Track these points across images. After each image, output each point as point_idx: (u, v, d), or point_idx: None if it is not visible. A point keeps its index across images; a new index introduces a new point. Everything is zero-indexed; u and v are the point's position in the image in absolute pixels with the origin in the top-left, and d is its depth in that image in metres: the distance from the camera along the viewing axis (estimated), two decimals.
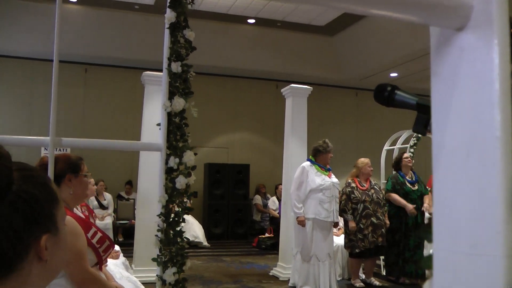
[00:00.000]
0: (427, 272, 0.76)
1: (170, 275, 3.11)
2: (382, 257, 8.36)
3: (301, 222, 7.07)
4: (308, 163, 7.30)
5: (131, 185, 12.51)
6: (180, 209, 3.18)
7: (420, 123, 1.72)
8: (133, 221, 10.99)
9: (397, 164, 8.04)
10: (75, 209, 3.22)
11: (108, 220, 11.09)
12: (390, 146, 10.55)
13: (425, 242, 8.00)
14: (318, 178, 7.12)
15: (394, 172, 8.14)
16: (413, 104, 1.71)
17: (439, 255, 0.71)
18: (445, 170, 0.70)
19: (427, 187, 8.04)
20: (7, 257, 0.96)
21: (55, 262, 1.06)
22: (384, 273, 8.15)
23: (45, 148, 9.12)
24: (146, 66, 10.57)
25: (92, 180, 6.19)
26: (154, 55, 11.11)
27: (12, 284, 0.98)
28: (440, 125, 0.71)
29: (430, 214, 8.00)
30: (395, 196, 7.73)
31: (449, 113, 0.70)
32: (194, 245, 10.95)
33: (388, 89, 1.71)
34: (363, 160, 7.80)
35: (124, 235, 11.93)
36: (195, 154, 3.23)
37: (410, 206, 7.60)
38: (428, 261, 0.77)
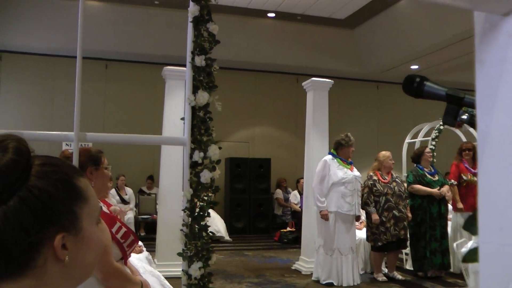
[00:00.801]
0: (471, 285, 0.74)
1: (195, 269, 3.12)
2: (404, 251, 8.30)
3: (325, 216, 7.06)
4: (330, 156, 7.28)
5: (152, 180, 12.57)
6: (205, 203, 3.17)
7: (450, 114, 1.70)
8: (154, 216, 11.06)
9: (418, 158, 7.97)
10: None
11: (130, 215, 11.17)
12: (411, 139, 10.46)
13: (449, 233, 7.94)
14: (340, 172, 7.11)
15: (414, 166, 8.08)
16: (442, 94, 1.69)
17: (485, 249, 0.68)
18: (491, 159, 0.67)
19: (449, 179, 7.96)
20: (12, 254, 0.93)
21: (80, 262, 1.01)
22: (412, 268, 8.03)
23: (66, 144, 9.20)
24: (166, 61, 10.62)
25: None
26: (174, 50, 11.17)
27: (26, 283, 0.94)
28: (486, 113, 0.69)
29: (460, 210, 7.87)
30: (419, 186, 7.68)
31: (495, 101, 0.68)
32: (216, 240, 10.97)
33: (417, 80, 1.69)
34: (385, 153, 7.75)
35: (146, 230, 12.01)
36: (220, 148, 3.22)
37: (435, 190, 7.58)
38: (472, 255, 0.75)
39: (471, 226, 0.79)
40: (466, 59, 12.69)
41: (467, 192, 7.84)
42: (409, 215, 7.54)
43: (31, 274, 0.95)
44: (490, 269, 0.68)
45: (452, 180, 7.90)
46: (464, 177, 7.86)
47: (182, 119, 3.25)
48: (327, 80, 8.48)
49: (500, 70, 0.67)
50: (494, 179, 0.67)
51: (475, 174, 7.86)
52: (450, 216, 8.31)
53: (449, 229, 8.01)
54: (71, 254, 0.99)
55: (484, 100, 0.69)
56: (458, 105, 1.66)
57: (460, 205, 7.82)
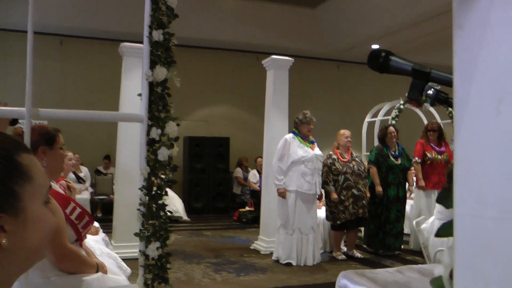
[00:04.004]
0: (446, 260, 0.71)
1: (153, 249, 3.06)
2: (363, 229, 8.43)
3: (282, 194, 7.09)
4: (291, 135, 7.29)
5: (109, 159, 12.39)
6: (162, 182, 3.12)
7: (415, 89, 1.69)
8: (112, 196, 10.91)
9: (383, 138, 8.05)
10: (52, 183, 3.13)
11: (86, 195, 10.99)
12: (371, 118, 10.57)
13: (408, 211, 8.11)
14: (301, 150, 7.11)
15: (378, 144, 8.17)
16: (408, 69, 1.67)
17: (461, 222, 0.66)
18: (470, 129, 0.65)
19: (414, 157, 8.10)
20: None
21: (23, 246, 0.94)
22: (365, 245, 8.23)
23: (18, 122, 8.94)
24: (124, 38, 10.38)
25: (70, 154, 6.09)
26: (132, 26, 10.93)
27: None
28: (465, 81, 0.66)
29: (421, 188, 8.04)
30: (374, 171, 7.78)
31: (476, 68, 0.64)
32: (175, 220, 10.92)
33: (382, 55, 1.67)
34: (341, 132, 7.80)
35: (103, 211, 11.86)
36: (178, 125, 3.16)
37: (378, 189, 7.71)
38: (447, 229, 0.72)
39: (445, 199, 0.77)
40: (429, 39, 12.86)
41: (431, 170, 8.01)
42: (368, 194, 7.63)
43: None
44: (466, 243, 0.65)
45: (416, 158, 8.07)
46: (429, 155, 8.02)
47: (139, 95, 3.17)
48: (288, 58, 8.45)
49: (481, 35, 0.64)
50: (472, 149, 0.64)
51: (440, 153, 8.02)
52: (413, 195, 8.48)
53: (408, 208, 8.19)
54: (11, 237, 0.91)
55: (463, 67, 0.66)
56: (424, 80, 1.65)
57: (422, 183, 7.99)
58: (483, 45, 0.63)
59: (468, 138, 0.65)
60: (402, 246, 8.06)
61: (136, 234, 3.15)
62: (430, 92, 1.63)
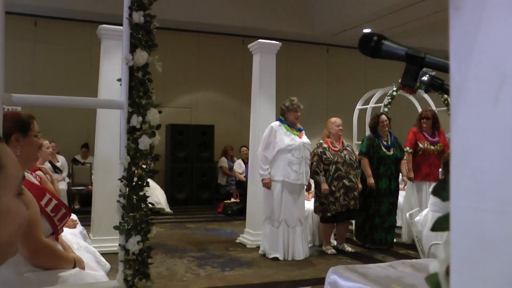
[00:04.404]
0: (441, 255, 0.71)
1: (134, 244, 3.05)
2: (354, 222, 8.47)
3: (266, 185, 7.09)
4: (277, 122, 7.27)
5: (87, 148, 12.33)
6: (143, 172, 3.10)
7: (409, 75, 1.68)
8: (90, 187, 10.87)
9: (375, 127, 8.05)
10: (26, 173, 3.11)
11: (63, 186, 10.93)
12: (363, 105, 10.59)
13: (401, 203, 8.16)
14: (287, 138, 7.10)
15: (369, 134, 8.18)
16: (402, 54, 1.67)
17: (458, 215, 0.65)
18: (466, 115, 0.64)
19: (405, 146, 8.14)
20: None
21: None
22: (355, 239, 8.28)
23: None
24: (102, 19, 10.30)
25: (46, 142, 6.06)
26: (111, 7, 10.84)
27: None
28: (461, 64, 0.65)
29: (410, 179, 8.12)
30: (365, 162, 7.80)
31: (473, 51, 0.64)
32: (156, 212, 10.91)
33: (374, 39, 1.66)
34: (331, 120, 7.79)
35: (81, 202, 11.81)
36: (160, 112, 3.14)
37: (370, 180, 7.74)
38: (442, 223, 0.72)
39: (441, 190, 0.76)
40: (422, 22, 12.88)
41: (423, 161, 8.05)
42: (360, 185, 7.64)
43: None
44: (464, 238, 0.65)
45: (408, 148, 8.11)
46: (421, 145, 8.05)
47: (119, 80, 3.14)
48: (275, 42, 8.44)
49: (479, 16, 0.63)
50: (469, 137, 0.64)
51: (432, 143, 8.05)
52: (402, 186, 8.54)
53: (401, 200, 8.24)
54: None
55: (460, 50, 0.66)
56: (418, 66, 1.65)
57: (411, 174, 8.04)
58: (481, 27, 0.62)
59: (465, 126, 0.64)
60: (395, 240, 8.11)
61: (115, 227, 3.13)
62: (424, 78, 1.63)
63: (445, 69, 1.53)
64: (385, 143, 7.95)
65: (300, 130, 7.31)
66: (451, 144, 0.66)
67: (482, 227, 0.60)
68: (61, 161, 11.51)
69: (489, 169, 0.59)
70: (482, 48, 0.61)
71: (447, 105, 9.59)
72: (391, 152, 7.90)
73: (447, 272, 0.68)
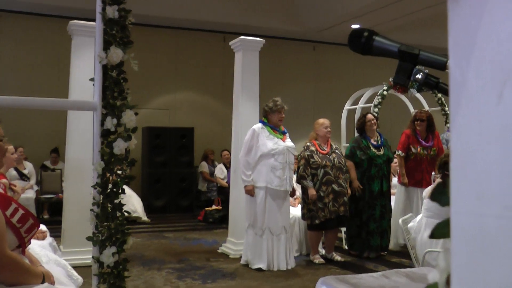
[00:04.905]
0: (441, 264, 0.71)
1: (108, 256, 3.03)
2: (344, 229, 8.47)
3: (249, 192, 7.08)
4: (260, 125, 7.26)
5: (57, 153, 12.23)
6: (119, 179, 3.09)
7: (402, 72, 1.69)
8: (60, 195, 10.78)
9: (361, 128, 8.08)
10: None
11: (30, 194, 10.84)
12: (351, 105, 10.62)
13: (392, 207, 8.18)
14: (270, 142, 7.10)
15: (357, 135, 8.20)
16: (394, 51, 1.68)
17: (459, 221, 0.65)
18: (468, 116, 0.64)
19: (397, 149, 8.17)
20: None
21: None
22: (346, 247, 8.29)
23: None
24: (73, 14, 10.25)
25: (11, 147, 6.01)
26: (83, 1, 10.80)
27: None
28: (462, 63, 0.65)
29: (404, 184, 8.13)
30: (349, 165, 7.81)
31: (474, 46, 0.64)
32: (132, 220, 10.85)
33: (365, 35, 1.67)
34: (319, 121, 7.81)
35: (50, 212, 11.72)
36: (136, 114, 3.13)
37: (355, 184, 7.75)
38: (442, 229, 0.72)
39: (440, 195, 0.76)
40: (413, 18, 12.95)
41: (415, 166, 8.09)
42: (349, 191, 7.66)
43: None
44: (465, 245, 0.65)
45: (400, 151, 8.13)
46: (413, 149, 8.08)
47: (92, 80, 3.13)
48: (258, 39, 8.45)
49: (481, 9, 0.63)
50: (470, 139, 0.64)
51: (426, 148, 8.09)
52: (394, 190, 8.56)
53: (392, 203, 8.25)
54: None
55: (459, 46, 0.66)
56: (412, 63, 1.66)
57: (404, 179, 8.07)
58: (483, 20, 0.62)
59: (466, 125, 0.64)
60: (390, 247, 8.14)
61: (88, 238, 3.11)
62: (418, 76, 1.63)
63: (440, 66, 1.54)
64: (374, 143, 7.96)
65: (283, 133, 7.30)
66: (451, 145, 0.66)
67: (485, 234, 0.60)
68: (28, 168, 11.40)
69: (492, 171, 0.59)
70: (484, 42, 0.61)
71: (441, 104, 9.65)
72: (382, 152, 7.91)
73: (448, 282, 0.68)
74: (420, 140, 8.15)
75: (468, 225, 0.63)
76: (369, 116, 8.11)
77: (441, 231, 0.72)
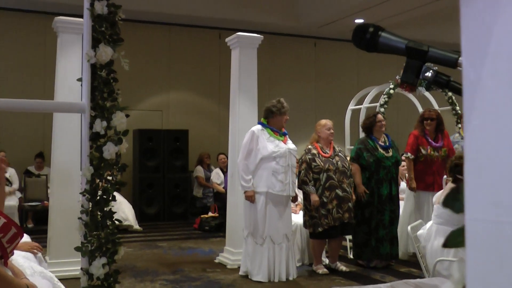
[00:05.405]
0: (456, 275, 0.71)
1: (98, 267, 3.03)
2: (348, 237, 8.46)
3: (250, 197, 7.05)
4: (259, 126, 7.24)
5: (42, 158, 12.22)
6: (109, 185, 3.09)
7: (410, 71, 1.69)
8: (46, 202, 10.77)
9: (370, 128, 8.02)
10: None
11: (13, 202, 10.81)
12: (355, 105, 10.64)
13: (400, 219, 8.15)
14: (271, 144, 7.09)
15: (363, 136, 8.18)
16: (402, 47, 1.68)
17: (474, 228, 0.65)
18: (483, 118, 0.64)
19: (406, 151, 8.14)
20: None
21: None
22: (352, 256, 8.27)
23: None
24: (59, 10, 10.24)
25: None
26: None
27: None
28: (476, 61, 0.65)
29: (412, 189, 8.10)
30: (355, 169, 7.78)
31: (490, 44, 0.64)
32: (123, 229, 10.84)
33: (370, 30, 1.67)
34: (321, 122, 7.79)
35: (35, 221, 11.70)
36: (127, 116, 3.13)
37: (360, 189, 7.73)
38: (457, 238, 0.72)
39: (453, 201, 0.76)
40: (420, 12, 12.95)
41: (425, 169, 8.06)
42: (354, 196, 7.64)
43: None
44: (481, 254, 0.65)
45: (409, 154, 8.08)
46: (423, 151, 8.04)
47: (80, 80, 3.13)
48: (256, 35, 8.45)
49: (496, 4, 0.63)
50: (486, 141, 0.64)
51: (436, 148, 8.07)
52: (402, 195, 8.54)
53: (400, 210, 8.21)
54: None
55: (473, 42, 0.66)
56: (421, 60, 1.66)
57: (413, 184, 8.02)
58: (499, 15, 0.62)
59: (481, 128, 0.64)
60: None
61: (77, 249, 3.11)
62: (428, 74, 1.63)
63: (451, 63, 1.54)
64: (382, 144, 7.92)
65: (284, 135, 7.29)
66: (465, 148, 0.66)
67: (503, 243, 0.60)
68: (10, 173, 11.35)
69: (510, 176, 0.59)
70: (500, 40, 0.61)
71: (452, 103, 9.66)
72: (390, 153, 7.87)
73: None
74: (430, 140, 8.12)
75: (485, 233, 0.63)
76: (380, 116, 8.08)
77: (455, 240, 0.72)
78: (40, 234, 8.39)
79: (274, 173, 7.03)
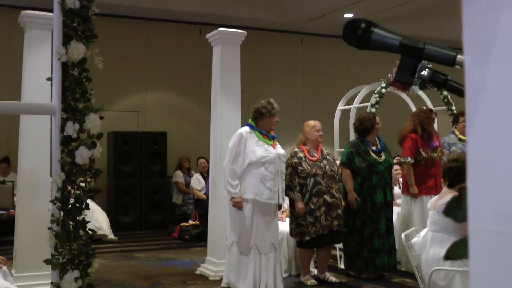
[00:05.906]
0: None
1: (70, 281, 3.01)
2: (338, 246, 8.47)
3: (238, 204, 7.00)
4: (247, 128, 7.16)
5: (8, 163, 12.15)
6: (82, 192, 3.07)
7: (405, 69, 1.70)
8: (12, 211, 10.69)
9: (368, 130, 7.95)
10: None
11: None
12: (345, 105, 10.68)
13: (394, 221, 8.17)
14: (260, 149, 7.04)
15: (354, 139, 8.19)
16: (395, 44, 1.68)
17: (479, 239, 0.65)
18: (487, 121, 0.64)
19: (404, 156, 8.13)
20: None
21: None
22: (342, 266, 8.28)
23: None
24: (26, 4, 10.18)
25: None
26: None
27: None
28: (479, 59, 0.65)
29: (414, 196, 8.10)
30: (346, 174, 7.78)
31: (495, 43, 0.64)
32: (97, 239, 10.79)
33: (362, 26, 1.67)
34: (309, 123, 7.78)
35: (0, 231, 11.61)
36: (101, 118, 3.12)
37: (352, 196, 7.72)
38: (459, 249, 0.72)
39: (455, 210, 0.76)
40: (414, 6, 13.01)
41: (426, 172, 8.06)
42: (343, 202, 7.62)
43: None
44: (485, 266, 0.65)
45: (409, 158, 8.04)
46: (424, 154, 8.04)
47: (49, 79, 3.11)
48: (239, 31, 8.46)
49: (501, 1, 0.63)
50: (490, 146, 0.64)
51: (434, 149, 8.09)
52: (398, 201, 8.55)
53: (394, 217, 8.20)
54: None
55: (477, 41, 0.66)
56: (416, 58, 1.66)
57: (414, 190, 7.99)
58: (504, 11, 0.62)
59: (485, 132, 0.64)
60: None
61: (47, 261, 3.09)
62: (424, 72, 1.64)
63: (449, 61, 1.54)
64: (374, 147, 7.91)
65: (273, 138, 7.23)
66: (467, 154, 0.65)
67: (508, 254, 0.60)
68: None
69: None
70: (506, 38, 0.61)
71: (448, 103, 9.71)
72: (383, 157, 7.86)
73: None
74: (429, 142, 8.13)
75: (489, 244, 0.63)
76: (378, 118, 8.04)
77: (457, 251, 0.72)
78: (5, 245, 8.35)
79: (262, 180, 6.97)
